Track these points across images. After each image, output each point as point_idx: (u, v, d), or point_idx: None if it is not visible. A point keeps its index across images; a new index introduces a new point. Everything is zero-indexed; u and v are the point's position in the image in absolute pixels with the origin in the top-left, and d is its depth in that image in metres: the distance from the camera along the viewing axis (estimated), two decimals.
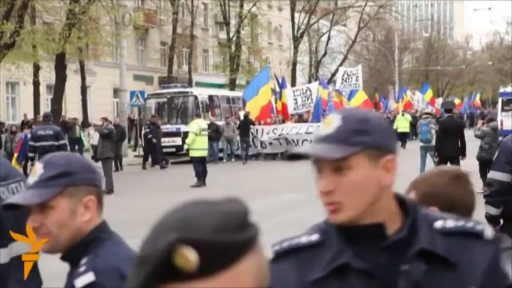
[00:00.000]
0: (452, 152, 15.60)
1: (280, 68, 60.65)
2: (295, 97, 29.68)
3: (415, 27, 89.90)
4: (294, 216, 13.49)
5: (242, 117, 27.98)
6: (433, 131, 18.89)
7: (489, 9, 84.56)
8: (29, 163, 16.89)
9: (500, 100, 34.46)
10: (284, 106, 29.93)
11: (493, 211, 5.28)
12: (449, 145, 15.59)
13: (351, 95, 34.02)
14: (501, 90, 37.58)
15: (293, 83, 46.24)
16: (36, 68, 29.26)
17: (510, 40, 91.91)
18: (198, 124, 19.38)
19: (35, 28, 25.90)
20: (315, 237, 1.70)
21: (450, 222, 1.68)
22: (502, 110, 33.00)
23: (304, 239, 1.71)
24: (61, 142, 16.12)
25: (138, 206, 14.67)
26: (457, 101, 64.90)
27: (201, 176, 18.87)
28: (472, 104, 65.87)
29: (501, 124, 28.36)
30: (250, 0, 45.39)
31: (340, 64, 57.33)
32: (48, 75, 28.94)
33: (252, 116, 28.22)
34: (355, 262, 1.61)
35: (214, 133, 26.10)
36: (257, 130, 27.98)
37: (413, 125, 41.03)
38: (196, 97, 28.62)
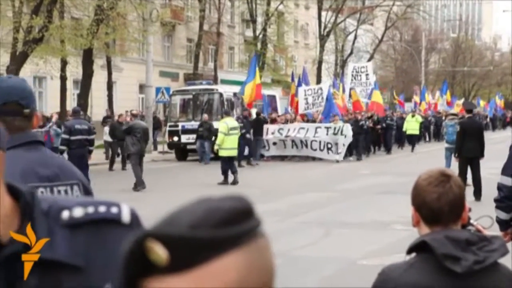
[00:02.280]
0: (473, 153, 15.56)
1: (306, 66, 60.54)
2: (306, 96, 28.59)
3: (443, 27, 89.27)
4: (318, 215, 13.50)
5: (254, 115, 26.92)
6: None
7: None
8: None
9: None
10: (296, 104, 29.41)
11: (503, 215, 5.31)
12: (470, 146, 15.53)
13: (371, 93, 33.16)
14: None
15: (318, 82, 46.13)
16: (64, 63, 29.49)
17: None
18: (227, 123, 19.28)
19: (63, 23, 26.10)
20: None
21: (78, 211, 1.37)
22: None
23: None
24: (92, 136, 16.63)
25: (160, 203, 14.76)
26: (482, 103, 64.38)
27: (228, 174, 18.82)
28: (499, 106, 65.29)
29: None
30: None
31: None
32: (75, 70, 29.16)
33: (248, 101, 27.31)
34: None
35: (207, 132, 25.74)
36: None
37: (437, 125, 40.64)
38: (221, 95, 28.64)
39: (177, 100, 29.78)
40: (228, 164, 18.91)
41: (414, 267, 2.35)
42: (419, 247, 2.36)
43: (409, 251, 2.40)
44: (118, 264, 1.16)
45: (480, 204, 14.43)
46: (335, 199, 15.79)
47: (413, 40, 69.46)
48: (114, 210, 1.40)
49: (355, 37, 54.53)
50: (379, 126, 31.25)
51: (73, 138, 15.83)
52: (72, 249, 1.34)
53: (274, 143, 27.13)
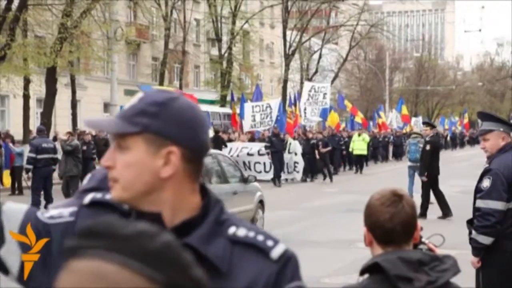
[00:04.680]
0: (439, 171, 15.82)
1: (271, 85, 60.81)
2: (253, 113, 26.55)
3: (406, 46, 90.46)
4: (282, 233, 13.48)
5: (212, 133, 24.51)
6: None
7: (480, 30, 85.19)
8: (27, 176, 16.73)
9: None
10: (234, 119, 27.74)
11: (489, 241, 5.13)
12: (437, 164, 15.76)
13: (323, 113, 31.75)
14: None
15: (284, 100, 46.35)
16: (27, 81, 29.17)
17: (500, 61, 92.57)
18: None
19: (26, 41, 25.86)
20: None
21: (242, 231, 1.57)
22: None
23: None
24: (56, 155, 16.63)
25: None
26: (446, 121, 65.20)
27: None
28: (462, 125, 66.17)
29: None
30: (242, 17, 45.54)
31: (331, 83, 57.52)
32: (38, 89, 28.87)
33: None
34: None
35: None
36: None
37: (396, 144, 40.62)
38: None
39: None
40: None
41: None
42: (372, 268, 2.36)
43: (362, 272, 2.40)
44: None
45: (449, 221, 14.56)
46: (300, 217, 15.79)
47: (377, 59, 70.16)
48: (269, 243, 1.56)
49: (320, 56, 54.93)
50: (328, 148, 27.86)
51: (39, 156, 15.82)
52: (222, 254, 1.52)
53: None
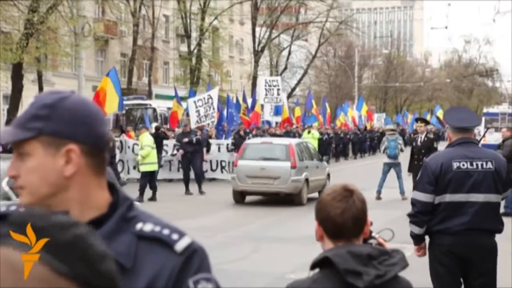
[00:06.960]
0: None
1: (241, 81, 60.77)
2: (197, 108, 25.14)
3: (376, 43, 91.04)
4: (247, 229, 13.50)
5: (153, 130, 23.09)
6: (400, 147, 18.94)
7: (446, 28, 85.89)
8: None
9: (483, 118, 41.20)
10: (173, 116, 26.72)
11: (417, 230, 5.47)
12: None
13: (277, 110, 31.49)
14: (485, 110, 46.44)
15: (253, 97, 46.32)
16: None
17: (468, 58, 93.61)
18: (151, 137, 18.66)
19: None
20: None
21: (148, 226, 1.60)
22: (485, 127, 39.04)
23: None
24: None
25: None
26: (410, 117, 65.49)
27: (144, 191, 17.78)
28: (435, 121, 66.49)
29: (484, 139, 34.73)
30: (211, 13, 45.43)
31: (300, 79, 57.67)
32: (4, 85, 28.53)
33: None
34: None
35: None
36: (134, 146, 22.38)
37: (353, 141, 40.28)
38: (155, 109, 28.47)
39: (110, 115, 29.42)
40: (148, 180, 18.01)
41: (317, 283, 2.38)
42: (322, 263, 2.39)
43: (312, 267, 2.42)
44: (160, 282, 1.53)
45: None
46: (265, 213, 15.83)
47: (346, 56, 70.52)
48: (174, 236, 1.58)
49: (289, 53, 55.03)
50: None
51: None
52: (126, 251, 1.55)
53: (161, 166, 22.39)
